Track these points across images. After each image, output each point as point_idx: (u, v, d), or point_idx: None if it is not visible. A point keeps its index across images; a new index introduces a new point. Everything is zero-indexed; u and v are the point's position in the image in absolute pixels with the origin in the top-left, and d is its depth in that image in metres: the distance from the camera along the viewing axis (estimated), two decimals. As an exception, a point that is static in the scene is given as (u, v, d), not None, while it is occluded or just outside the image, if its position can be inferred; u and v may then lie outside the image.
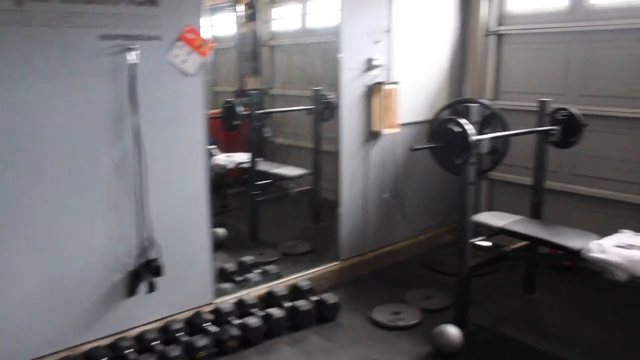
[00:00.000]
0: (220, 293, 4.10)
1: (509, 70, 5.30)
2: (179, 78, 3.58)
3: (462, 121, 3.30)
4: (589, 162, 4.81)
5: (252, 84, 6.23)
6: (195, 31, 3.59)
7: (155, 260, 3.55)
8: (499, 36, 5.34)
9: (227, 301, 4.04)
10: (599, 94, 4.71)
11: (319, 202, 5.66)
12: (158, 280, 3.58)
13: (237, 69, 6.31)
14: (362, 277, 4.88)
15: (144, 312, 3.66)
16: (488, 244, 4.02)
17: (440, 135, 3.35)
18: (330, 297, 4.16)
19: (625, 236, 3.49)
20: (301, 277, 4.49)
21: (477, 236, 3.86)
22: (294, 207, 5.92)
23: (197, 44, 3.60)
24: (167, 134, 3.59)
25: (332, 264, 4.77)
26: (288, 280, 4.44)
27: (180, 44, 3.54)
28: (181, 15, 3.52)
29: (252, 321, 3.81)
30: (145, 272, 3.55)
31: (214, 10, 6.18)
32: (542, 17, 5.02)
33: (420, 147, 3.31)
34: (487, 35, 5.35)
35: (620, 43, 4.57)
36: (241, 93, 6.03)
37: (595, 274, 3.29)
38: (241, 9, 6.05)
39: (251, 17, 6.13)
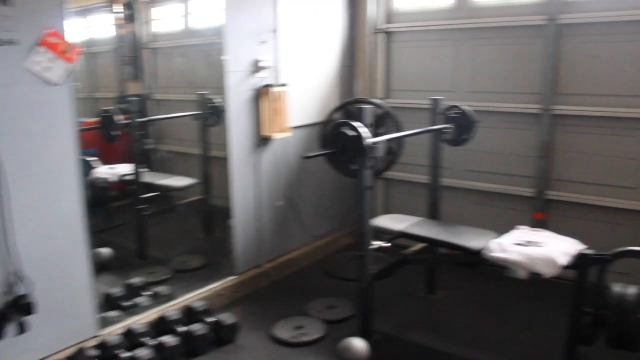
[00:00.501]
0: (105, 323, 3.72)
1: (399, 68, 5.24)
2: (41, 88, 3.16)
3: (356, 124, 3.13)
4: (480, 158, 4.84)
5: (133, 89, 5.80)
6: (59, 34, 3.18)
7: (24, 296, 3.11)
8: (388, 34, 5.28)
9: (113, 332, 3.67)
10: (486, 90, 4.76)
11: (210, 212, 5.34)
12: (30, 318, 3.15)
13: (117, 74, 5.85)
14: (261, 290, 4.63)
15: (15, 357, 3.20)
16: (387, 244, 3.91)
17: (334, 140, 3.17)
18: (227, 318, 3.87)
19: (523, 232, 3.48)
20: (196, 297, 4.20)
21: (376, 239, 3.72)
22: (184, 219, 5.56)
23: (61, 49, 3.20)
24: (30, 151, 3.16)
25: (227, 279, 4.49)
26: (181, 301, 4.13)
27: (42, 50, 3.12)
28: (41, 16, 3.11)
29: (143, 353, 3.46)
30: (13, 311, 3.10)
31: (88, 10, 5.69)
32: (429, 14, 5.01)
33: (313, 154, 3.10)
34: (375, 33, 5.26)
35: (503, 40, 4.62)
36: (122, 99, 5.59)
37: (494, 267, 3.25)
38: (119, 9, 5.61)
39: (130, 18, 5.70)
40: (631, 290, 3.02)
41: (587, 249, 3.22)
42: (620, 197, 4.31)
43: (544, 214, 4.59)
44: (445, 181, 4.80)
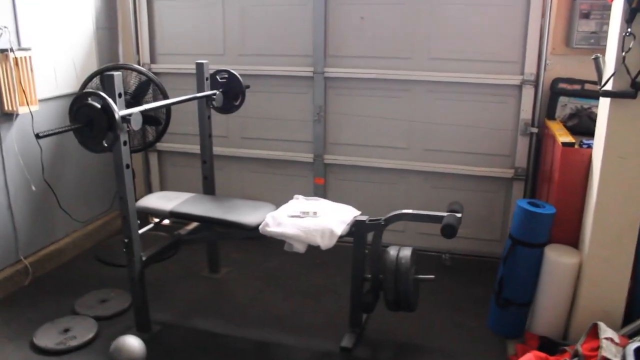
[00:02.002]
0: None
1: (166, 31, 4.79)
2: None
3: (104, 94, 2.68)
4: (257, 124, 4.65)
5: None
6: None
7: None
8: (145, -7, 4.78)
9: None
10: (258, 53, 4.55)
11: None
12: None
13: None
14: (20, 291, 3.99)
15: None
16: (165, 222, 3.56)
17: (78, 114, 2.69)
18: (-29, 332, 3.23)
19: (299, 202, 3.35)
20: None
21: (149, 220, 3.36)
22: None
23: None
24: None
25: (-25, 283, 3.79)
26: None
27: None
28: None
29: None
30: None
31: None
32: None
33: (48, 133, 2.60)
34: (134, -10, 4.74)
35: (271, 0, 4.41)
36: None
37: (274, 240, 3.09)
38: None
39: None
40: (404, 252, 3.05)
41: (362, 214, 3.18)
42: (394, 157, 4.39)
43: (323, 179, 4.55)
44: (222, 150, 4.57)
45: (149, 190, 5.12)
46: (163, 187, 5.11)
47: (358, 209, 3.32)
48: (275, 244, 3.14)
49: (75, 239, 4.57)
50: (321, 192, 4.53)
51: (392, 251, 3.08)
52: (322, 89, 4.38)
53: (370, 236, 3.19)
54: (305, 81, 4.44)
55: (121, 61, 4.80)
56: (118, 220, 4.90)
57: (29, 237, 4.16)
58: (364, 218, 3.14)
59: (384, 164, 4.41)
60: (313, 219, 3.07)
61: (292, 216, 3.09)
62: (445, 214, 3.04)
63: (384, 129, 4.37)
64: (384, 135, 4.38)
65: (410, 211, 3.16)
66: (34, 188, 4.07)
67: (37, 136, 2.55)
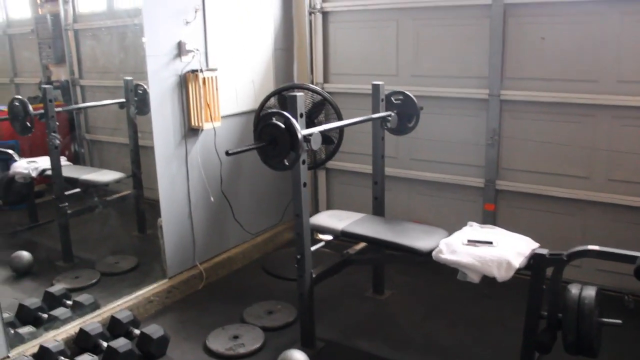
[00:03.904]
0: (16, 341, 3.28)
1: (339, 51, 4.91)
2: None
3: (287, 114, 2.77)
4: (427, 146, 4.58)
5: (57, 74, 5.32)
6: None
7: None
8: (325, 14, 4.92)
9: (26, 352, 3.23)
10: (431, 74, 4.49)
11: (142, 207, 4.92)
12: None
13: (39, 58, 5.35)
14: (195, 294, 4.26)
15: None
16: (329, 238, 3.61)
17: (262, 133, 2.80)
18: (155, 330, 3.47)
19: (473, 230, 3.21)
20: (123, 304, 3.82)
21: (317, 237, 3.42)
22: (115, 216, 5.13)
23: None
24: None
25: (158, 284, 4.12)
26: (107, 310, 3.73)
27: None
28: None
29: (56, 377, 3.05)
30: None
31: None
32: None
33: (236, 150, 2.74)
34: (312, 13, 4.90)
35: (447, 20, 4.35)
36: (46, 85, 5.11)
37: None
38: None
39: (49, -5, 5.22)
40: (588, 292, 2.80)
41: (541, 247, 2.98)
42: (572, 187, 4.09)
43: (493, 205, 4.35)
44: (391, 171, 4.54)
45: (316, 207, 5.24)
46: (330, 205, 5.20)
47: (530, 238, 3.12)
48: (441, 270, 3.04)
49: (245, 249, 4.79)
50: (491, 218, 4.34)
51: (574, 289, 2.84)
52: (497, 111, 4.21)
53: (548, 270, 2.97)
54: (479, 103, 4.30)
55: (295, 80, 4.99)
56: (285, 233, 5.08)
57: (205, 245, 4.43)
58: (543, 251, 2.93)
59: (561, 193, 4.12)
60: (489, 249, 2.93)
61: (467, 244, 2.96)
62: (639, 253, 2.75)
63: (562, 155, 4.09)
64: (563, 162, 4.10)
65: (597, 248, 2.90)
66: (212, 199, 4.33)
67: (227, 153, 2.70)
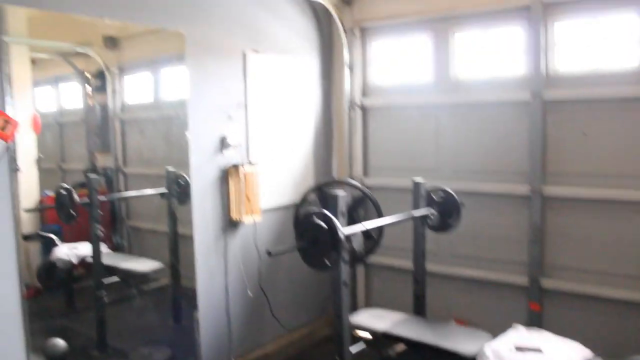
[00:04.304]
0: None
1: (378, 146, 4.95)
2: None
3: (329, 214, 2.76)
4: (468, 242, 4.48)
5: (102, 161, 5.47)
6: (-4, 110, 2.84)
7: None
8: (365, 109, 5.00)
9: None
10: (471, 169, 4.46)
11: (179, 298, 4.88)
12: None
13: (86, 145, 5.53)
14: (229, 393, 4.14)
15: None
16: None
17: (304, 232, 2.78)
18: None
19: (519, 334, 3.07)
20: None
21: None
22: (151, 305, 5.09)
23: (-4, 126, 2.84)
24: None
25: (192, 380, 4.01)
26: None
27: (-26, 126, 2.77)
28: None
29: None
30: None
31: (58, 79, 5.43)
32: (408, 89, 4.77)
33: (278, 251, 2.72)
34: (352, 108, 4.98)
35: (487, 116, 4.36)
36: (90, 172, 5.25)
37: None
38: (88, 79, 5.35)
39: (99, 88, 5.45)
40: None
41: (595, 357, 2.82)
42: (624, 287, 3.90)
43: (539, 305, 4.17)
44: (431, 267, 4.42)
45: (354, 302, 5.11)
46: (368, 301, 5.08)
47: (581, 343, 2.97)
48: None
49: (281, 345, 4.67)
50: (536, 319, 4.14)
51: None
52: (539, 208, 4.12)
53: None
54: (520, 199, 4.23)
55: (335, 174, 5.01)
56: (323, 329, 4.95)
57: (241, 340, 4.34)
58: (598, 361, 2.78)
59: (612, 293, 3.93)
60: (537, 356, 2.79)
61: (514, 351, 2.83)
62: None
63: (612, 253, 3.94)
64: (613, 260, 3.94)
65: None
66: (250, 294, 4.28)
67: (269, 254, 2.68)
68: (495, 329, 3.18)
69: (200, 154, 3.96)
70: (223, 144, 4.07)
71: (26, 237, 4.18)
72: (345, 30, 4.92)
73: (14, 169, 3.02)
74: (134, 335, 4.72)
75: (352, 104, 4.99)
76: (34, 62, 4.07)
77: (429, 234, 3.96)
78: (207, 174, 4.01)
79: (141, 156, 5.38)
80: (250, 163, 4.20)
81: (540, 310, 4.17)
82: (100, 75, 5.35)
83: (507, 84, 4.28)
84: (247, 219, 4.16)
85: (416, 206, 3.69)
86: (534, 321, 4.11)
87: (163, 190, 4.71)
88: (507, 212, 4.33)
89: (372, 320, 3.45)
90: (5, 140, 2.88)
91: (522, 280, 4.26)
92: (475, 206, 4.31)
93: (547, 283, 4.17)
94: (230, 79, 4.15)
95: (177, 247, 4.71)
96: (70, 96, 5.45)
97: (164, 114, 5.16)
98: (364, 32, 4.99)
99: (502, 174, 4.32)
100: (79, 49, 4.69)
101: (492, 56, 4.37)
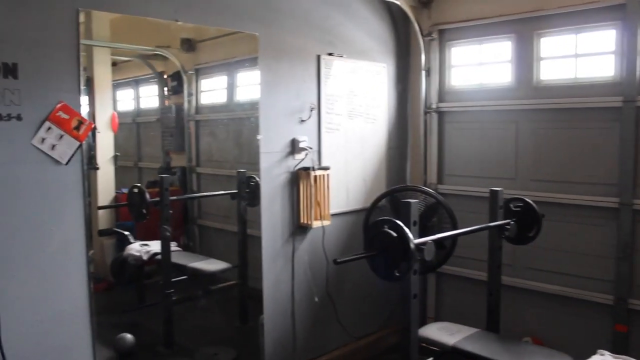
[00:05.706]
0: None
1: (454, 152, 4.78)
2: (47, 167, 2.84)
3: (400, 223, 2.64)
4: (546, 255, 4.24)
5: (176, 161, 5.59)
6: (70, 109, 2.87)
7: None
8: (441, 113, 4.84)
9: None
10: (553, 179, 4.22)
11: (247, 298, 4.89)
12: None
13: (161, 145, 5.68)
14: (293, 398, 4.08)
15: None
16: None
17: (373, 241, 2.68)
18: None
19: None
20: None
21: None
22: (219, 305, 5.12)
23: (71, 126, 2.88)
24: (28, 237, 2.80)
25: (256, 384, 3.98)
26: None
27: (49, 125, 2.82)
28: (51, 90, 2.82)
29: None
30: None
31: (137, 81, 5.60)
32: (487, 93, 4.58)
33: (345, 259, 2.63)
34: (426, 112, 4.84)
35: (572, 123, 4.12)
36: (164, 171, 5.37)
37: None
38: (165, 80, 5.48)
39: (175, 89, 5.57)
40: None
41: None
42: None
43: (626, 327, 3.89)
44: (506, 280, 4.22)
45: (423, 313, 4.95)
46: (438, 312, 4.91)
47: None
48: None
49: (347, 353, 4.58)
50: (622, 341, 3.86)
51: None
52: (629, 222, 3.84)
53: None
54: (607, 212, 3.96)
55: (408, 180, 4.88)
56: (390, 338, 4.83)
57: (305, 345, 4.28)
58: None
59: None
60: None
61: (599, 378, 2.62)
62: None
63: None
64: None
65: None
66: (316, 299, 4.21)
67: (335, 262, 2.60)
68: (575, 350, 2.97)
69: (270, 156, 3.93)
70: (294, 146, 4.03)
71: (101, 232, 4.30)
72: (422, 33, 4.78)
73: (92, 167, 3.06)
74: (200, 334, 4.76)
75: (428, 108, 4.85)
76: (114, 64, 4.17)
77: (506, 246, 3.77)
78: (277, 177, 3.98)
79: (213, 156, 5.45)
80: (321, 167, 4.13)
81: (628, 332, 3.89)
82: (176, 77, 5.47)
83: (595, 88, 4.01)
84: (317, 224, 4.09)
85: (493, 216, 3.51)
86: (619, 343, 3.84)
87: (234, 191, 4.73)
88: (591, 226, 4.06)
89: (441, 333, 3.30)
90: (79, 140, 2.92)
91: (606, 299, 3.98)
92: (556, 218, 4.08)
93: (636, 304, 3.87)
94: (303, 82, 4.11)
95: (245, 249, 4.71)
96: (147, 97, 5.60)
97: (236, 116, 5.20)
98: (441, 34, 4.83)
99: (587, 184, 4.06)
100: (157, 52, 4.80)
101: (579, 58, 4.13)
